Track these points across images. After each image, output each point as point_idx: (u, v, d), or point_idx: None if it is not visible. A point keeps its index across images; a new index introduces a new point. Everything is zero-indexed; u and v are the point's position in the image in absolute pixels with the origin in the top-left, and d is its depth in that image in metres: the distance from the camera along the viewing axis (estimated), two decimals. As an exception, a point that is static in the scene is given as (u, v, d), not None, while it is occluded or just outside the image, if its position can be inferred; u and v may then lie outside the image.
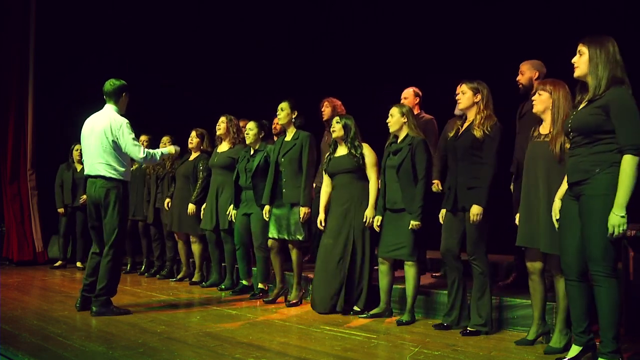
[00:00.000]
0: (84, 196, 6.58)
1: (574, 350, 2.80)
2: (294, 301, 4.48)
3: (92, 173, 4.07)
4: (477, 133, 3.42)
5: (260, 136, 4.91)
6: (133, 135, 4.08)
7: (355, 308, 4.12)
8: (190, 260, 5.88)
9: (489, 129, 3.40)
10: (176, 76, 7.65)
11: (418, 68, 6.07)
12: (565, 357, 2.81)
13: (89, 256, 4.20)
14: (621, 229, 2.48)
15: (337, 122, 4.28)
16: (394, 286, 4.09)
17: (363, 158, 4.17)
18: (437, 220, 3.72)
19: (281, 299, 4.64)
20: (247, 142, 4.93)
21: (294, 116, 4.51)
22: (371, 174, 4.16)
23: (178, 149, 4.66)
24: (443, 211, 3.66)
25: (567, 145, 2.90)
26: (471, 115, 3.53)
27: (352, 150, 4.19)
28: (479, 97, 3.49)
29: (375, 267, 4.16)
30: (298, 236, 4.36)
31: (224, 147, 5.32)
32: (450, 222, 3.60)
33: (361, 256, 4.14)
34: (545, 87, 3.16)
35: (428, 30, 6.22)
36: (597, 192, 2.57)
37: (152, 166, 6.01)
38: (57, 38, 7.33)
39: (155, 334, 3.45)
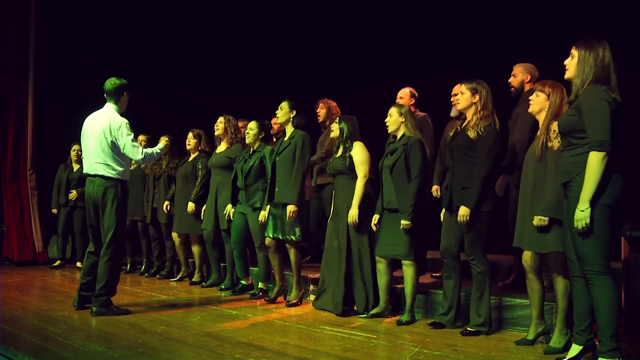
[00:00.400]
0: (74, 192, 6.63)
1: (574, 349, 2.81)
2: (294, 301, 4.48)
3: (91, 172, 4.08)
4: (471, 133, 3.43)
5: (261, 137, 4.91)
6: (132, 136, 4.08)
7: (355, 308, 4.12)
8: (190, 260, 5.88)
9: (482, 129, 3.40)
10: (176, 76, 7.64)
11: (418, 68, 6.06)
12: (565, 357, 2.81)
13: (85, 255, 4.21)
14: (584, 222, 2.53)
15: (336, 123, 4.32)
16: (395, 286, 4.09)
17: (352, 158, 4.16)
18: (437, 221, 3.73)
19: (281, 298, 4.64)
20: (247, 141, 4.93)
21: (292, 115, 4.50)
22: (358, 171, 4.13)
23: (167, 138, 5.09)
24: (444, 211, 3.67)
25: (550, 144, 2.98)
26: (469, 115, 3.54)
27: (343, 152, 4.21)
28: (477, 97, 3.49)
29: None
30: (292, 236, 4.35)
31: (222, 147, 5.34)
32: (448, 222, 3.61)
33: (358, 256, 4.13)
34: (544, 88, 3.16)
35: (428, 31, 6.22)
36: (577, 194, 2.60)
37: (150, 166, 6.02)
38: (57, 38, 7.33)
39: (155, 334, 3.45)
